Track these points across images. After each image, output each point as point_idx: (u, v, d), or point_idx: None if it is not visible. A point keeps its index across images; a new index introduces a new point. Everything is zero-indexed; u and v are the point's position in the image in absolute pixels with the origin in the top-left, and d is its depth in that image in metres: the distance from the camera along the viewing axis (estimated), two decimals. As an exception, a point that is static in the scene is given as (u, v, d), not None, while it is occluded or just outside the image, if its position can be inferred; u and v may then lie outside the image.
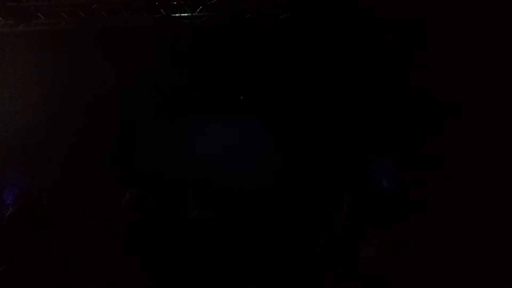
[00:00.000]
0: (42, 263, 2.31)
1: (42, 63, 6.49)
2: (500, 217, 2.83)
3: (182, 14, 6.47)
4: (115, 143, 6.91)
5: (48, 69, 6.54)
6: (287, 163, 6.94)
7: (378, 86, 6.40)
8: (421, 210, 3.16)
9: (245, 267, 2.91)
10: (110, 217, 3.65)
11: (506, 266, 2.47)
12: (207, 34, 6.58)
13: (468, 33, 5.69)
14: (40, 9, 6.29)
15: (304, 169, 6.81)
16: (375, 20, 6.07)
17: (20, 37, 6.59)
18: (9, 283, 2.16)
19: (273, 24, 6.41)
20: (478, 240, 2.66)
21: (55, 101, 6.76)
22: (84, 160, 6.64)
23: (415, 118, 6.25)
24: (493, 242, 2.65)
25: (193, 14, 6.44)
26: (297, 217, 3.48)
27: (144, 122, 7.45)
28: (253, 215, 3.62)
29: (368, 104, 6.56)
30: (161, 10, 6.34)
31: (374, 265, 2.60)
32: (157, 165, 7.03)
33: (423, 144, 6.00)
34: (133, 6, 6.37)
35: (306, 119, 7.02)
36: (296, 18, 6.41)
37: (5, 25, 6.38)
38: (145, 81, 6.86)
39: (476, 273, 2.47)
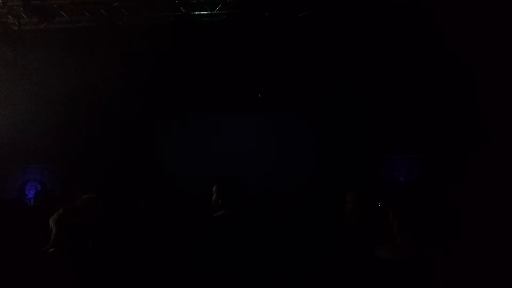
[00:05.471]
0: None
1: (64, 60, 6.61)
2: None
3: (202, 12, 6.51)
4: (133, 142, 7.01)
5: (70, 66, 6.66)
6: (304, 162, 6.93)
7: (398, 86, 6.35)
8: (433, 208, 3.13)
9: (267, 263, 2.97)
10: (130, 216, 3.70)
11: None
12: (226, 32, 6.60)
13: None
14: (63, 7, 6.42)
15: (321, 168, 6.79)
16: (397, 17, 6.02)
17: (43, 34, 6.72)
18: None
19: (292, 22, 6.40)
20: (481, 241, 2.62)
21: (75, 98, 6.89)
22: (103, 159, 6.76)
23: (429, 118, 6.22)
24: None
25: (213, 12, 6.47)
26: (314, 215, 3.49)
27: (163, 121, 7.52)
28: (273, 213, 3.65)
29: (386, 104, 6.52)
30: (181, 8, 6.39)
31: (386, 264, 2.60)
32: (175, 165, 7.10)
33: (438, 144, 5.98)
34: (153, 4, 6.45)
35: (325, 118, 7.00)
36: (315, 16, 6.38)
37: (29, 23, 6.51)
38: (164, 79, 6.92)
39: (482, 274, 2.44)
